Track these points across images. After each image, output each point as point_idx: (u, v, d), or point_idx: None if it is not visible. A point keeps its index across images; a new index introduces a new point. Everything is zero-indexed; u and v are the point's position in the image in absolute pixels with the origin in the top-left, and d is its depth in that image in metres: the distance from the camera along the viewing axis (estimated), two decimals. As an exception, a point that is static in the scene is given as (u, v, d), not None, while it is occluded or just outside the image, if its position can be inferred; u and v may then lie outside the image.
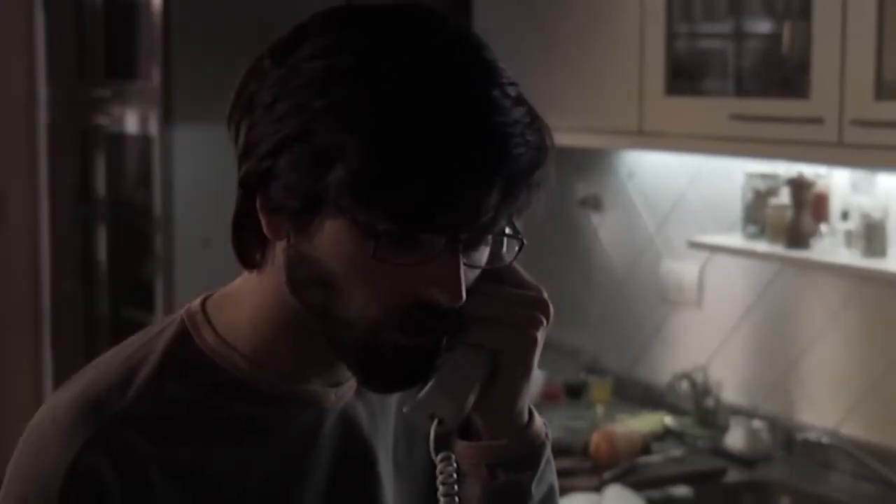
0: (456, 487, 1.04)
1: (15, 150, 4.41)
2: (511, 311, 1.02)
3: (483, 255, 1.01)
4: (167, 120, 3.62)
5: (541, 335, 1.03)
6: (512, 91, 0.98)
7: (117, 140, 4.08)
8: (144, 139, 3.80)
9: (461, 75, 0.96)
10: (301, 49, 0.99)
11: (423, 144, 0.94)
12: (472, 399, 1.02)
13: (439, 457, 1.03)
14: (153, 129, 3.69)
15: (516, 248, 1.03)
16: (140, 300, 3.89)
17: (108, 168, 4.18)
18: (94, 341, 4.20)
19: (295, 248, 1.00)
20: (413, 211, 0.94)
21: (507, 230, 1.01)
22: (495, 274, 1.03)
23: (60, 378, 4.14)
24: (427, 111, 0.94)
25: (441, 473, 1.03)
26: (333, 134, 0.95)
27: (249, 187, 1.00)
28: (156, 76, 3.64)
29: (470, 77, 0.97)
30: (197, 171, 3.58)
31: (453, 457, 1.04)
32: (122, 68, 4.00)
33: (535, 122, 0.99)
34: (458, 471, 1.05)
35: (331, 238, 0.98)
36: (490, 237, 1.01)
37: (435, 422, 1.00)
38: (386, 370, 1.01)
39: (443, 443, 1.04)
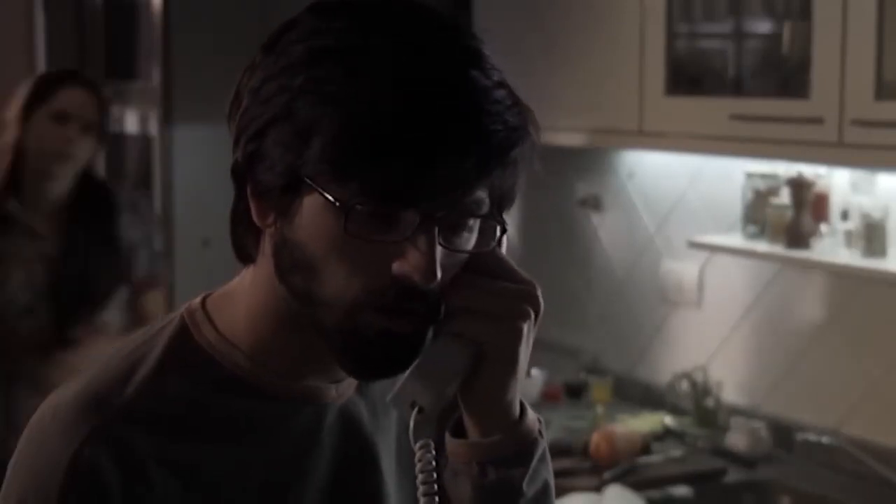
0: (434, 475, 1.03)
1: (15, 150, 4.40)
2: (497, 302, 1.02)
3: (465, 240, 1.00)
4: (167, 120, 3.63)
5: (527, 328, 1.02)
6: (495, 75, 0.98)
7: (117, 140, 4.07)
8: (144, 139, 3.80)
9: (440, 54, 0.97)
10: (288, 35, 1.00)
11: (395, 117, 0.94)
12: (452, 387, 1.01)
13: (418, 444, 1.02)
14: (153, 129, 3.70)
15: (498, 233, 1.02)
16: (140, 300, 3.88)
17: (108, 168, 4.17)
18: (94, 341, 4.19)
19: (280, 234, 1.00)
20: (383, 183, 0.94)
21: (492, 216, 1.00)
22: (488, 269, 1.02)
23: (60, 378, 4.12)
24: (402, 84, 0.94)
25: (419, 461, 1.02)
26: (312, 109, 0.95)
27: (240, 174, 1.01)
28: (156, 76, 3.65)
29: (449, 56, 0.97)
30: (197, 171, 3.58)
31: (432, 444, 1.03)
32: (122, 68, 4.00)
33: (517, 106, 0.99)
34: (437, 459, 1.04)
35: (309, 217, 0.98)
36: (475, 223, 1.00)
37: (415, 409, 1.00)
38: (368, 355, 1.00)
39: (423, 431, 1.03)
